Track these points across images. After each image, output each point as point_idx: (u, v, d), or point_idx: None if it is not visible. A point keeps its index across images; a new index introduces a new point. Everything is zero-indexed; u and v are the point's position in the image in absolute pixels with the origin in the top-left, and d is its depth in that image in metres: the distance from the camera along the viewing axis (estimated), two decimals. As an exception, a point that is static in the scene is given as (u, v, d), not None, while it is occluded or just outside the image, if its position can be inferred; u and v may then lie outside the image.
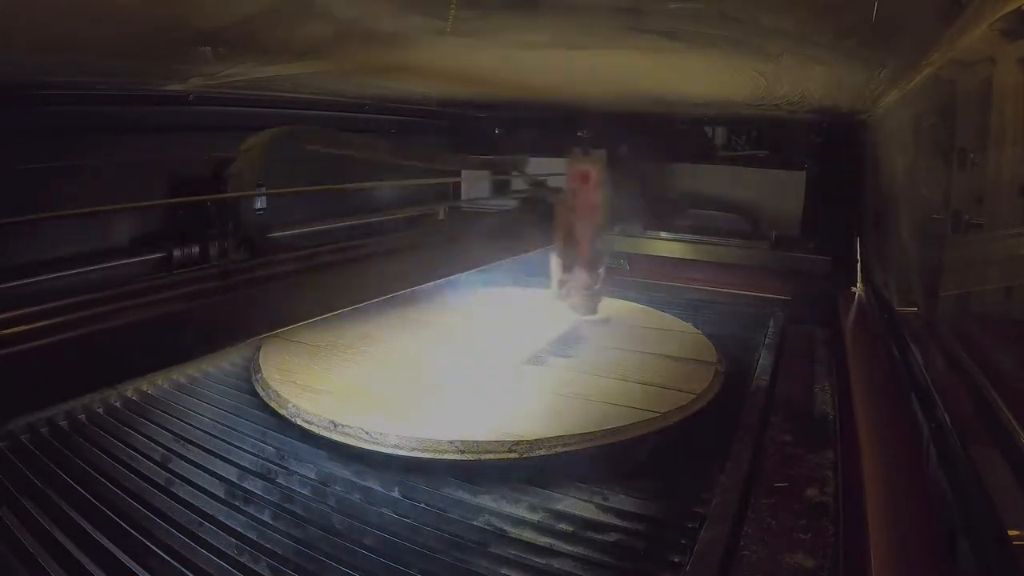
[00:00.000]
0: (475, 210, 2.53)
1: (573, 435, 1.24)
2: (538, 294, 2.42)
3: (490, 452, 1.21)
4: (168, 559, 0.94)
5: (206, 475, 1.18)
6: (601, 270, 2.01)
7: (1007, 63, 0.86)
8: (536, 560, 0.97)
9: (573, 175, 1.93)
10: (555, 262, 2.00)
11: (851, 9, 0.78)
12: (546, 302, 2.24)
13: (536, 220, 2.06)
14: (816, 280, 2.30)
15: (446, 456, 1.20)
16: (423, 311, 2.14)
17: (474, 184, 2.57)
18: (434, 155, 2.08)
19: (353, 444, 1.25)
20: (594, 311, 2.01)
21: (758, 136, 2.53)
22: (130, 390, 1.52)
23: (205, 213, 1.57)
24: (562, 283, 2.00)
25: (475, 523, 1.06)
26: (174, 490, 1.13)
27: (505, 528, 1.05)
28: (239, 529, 1.03)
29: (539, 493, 1.14)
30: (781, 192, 2.48)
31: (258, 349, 1.73)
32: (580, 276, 1.96)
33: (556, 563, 0.96)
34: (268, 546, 0.99)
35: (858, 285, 2.16)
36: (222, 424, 1.37)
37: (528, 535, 1.03)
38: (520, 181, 2.20)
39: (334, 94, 1.85)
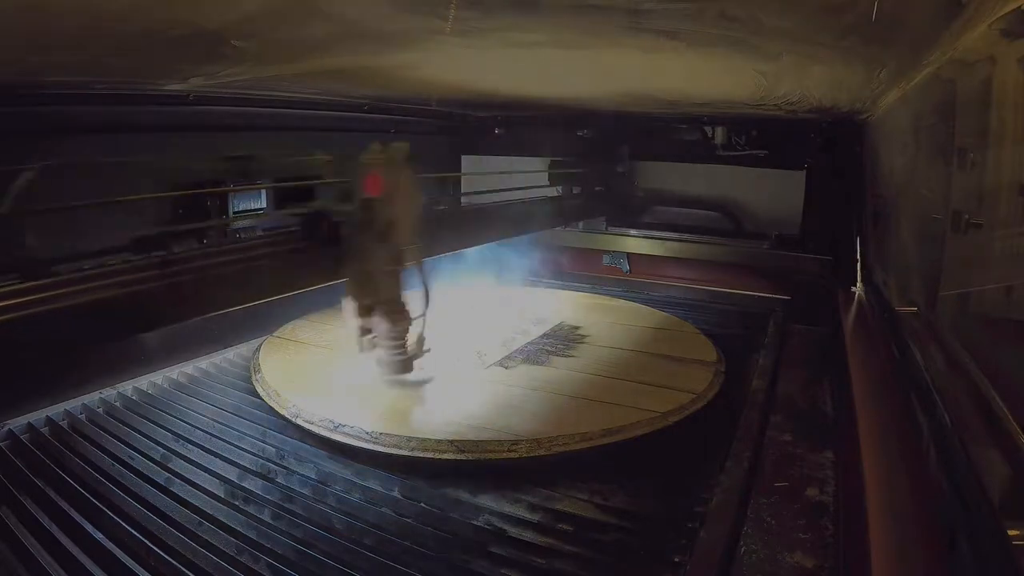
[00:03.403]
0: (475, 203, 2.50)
1: (573, 435, 1.24)
2: (537, 292, 2.42)
3: (490, 452, 1.21)
4: (168, 558, 0.94)
5: (206, 474, 1.18)
6: (420, 313, 1.44)
7: (1007, 63, 0.86)
8: (536, 560, 0.97)
9: (364, 182, 1.31)
10: (348, 305, 1.40)
11: (851, 9, 0.78)
12: (545, 300, 2.25)
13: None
14: (816, 280, 2.30)
15: (446, 456, 1.20)
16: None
17: (474, 181, 2.56)
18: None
19: (353, 444, 1.25)
20: (409, 368, 1.45)
21: (758, 136, 2.53)
22: (130, 389, 1.53)
23: (205, 211, 1.57)
24: (363, 331, 1.43)
25: (475, 523, 1.06)
26: (174, 489, 1.13)
27: (505, 528, 1.05)
28: (239, 529, 1.03)
29: (539, 493, 1.14)
30: (781, 192, 2.48)
31: (258, 348, 1.73)
32: (384, 323, 1.39)
33: (556, 563, 0.96)
34: (268, 546, 0.99)
35: (858, 285, 2.16)
36: (222, 423, 1.38)
37: (528, 535, 1.03)
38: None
39: (334, 94, 1.85)
